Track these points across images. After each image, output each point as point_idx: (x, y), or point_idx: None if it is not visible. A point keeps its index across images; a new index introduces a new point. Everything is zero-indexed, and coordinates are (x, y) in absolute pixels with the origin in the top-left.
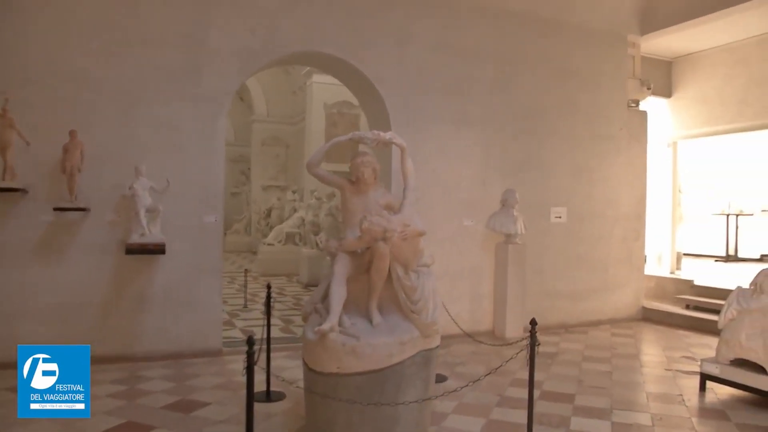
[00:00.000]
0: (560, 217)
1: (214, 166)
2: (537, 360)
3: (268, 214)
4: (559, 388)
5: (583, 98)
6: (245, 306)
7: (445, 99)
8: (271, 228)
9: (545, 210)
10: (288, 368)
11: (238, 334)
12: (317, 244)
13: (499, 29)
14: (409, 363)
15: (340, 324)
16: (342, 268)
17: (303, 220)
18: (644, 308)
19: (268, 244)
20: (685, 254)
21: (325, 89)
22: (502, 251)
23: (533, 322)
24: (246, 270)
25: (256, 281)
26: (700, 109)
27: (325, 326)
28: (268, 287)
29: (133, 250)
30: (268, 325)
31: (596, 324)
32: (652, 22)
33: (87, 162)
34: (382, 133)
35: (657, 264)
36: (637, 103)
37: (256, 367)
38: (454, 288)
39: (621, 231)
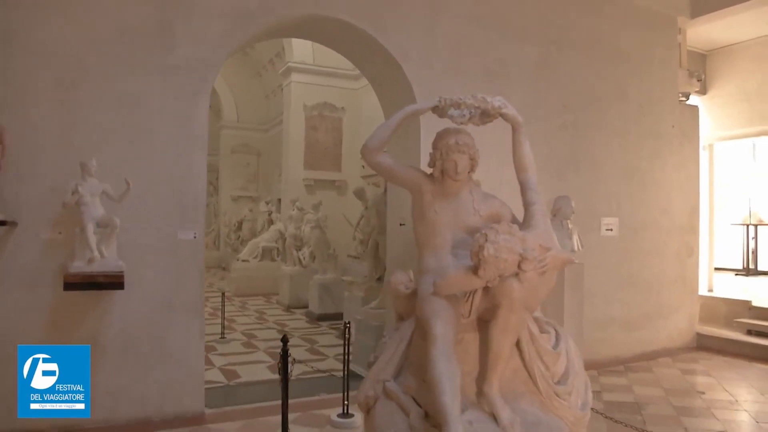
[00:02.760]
0: (611, 230)
1: (193, 163)
2: (621, 416)
3: (239, 227)
4: None
5: (633, 88)
6: (222, 336)
7: (482, 84)
8: (243, 242)
9: (595, 220)
10: None
11: (218, 377)
12: (300, 261)
13: (543, 2)
14: None
15: None
16: (447, 328)
17: (281, 233)
18: (698, 335)
19: (243, 261)
20: None
21: (304, 89)
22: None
23: None
24: (224, 293)
25: (231, 302)
26: (741, 107)
27: None
28: (284, 341)
29: (74, 284)
30: (285, 400)
31: (653, 356)
32: (705, 2)
33: (12, 156)
34: (488, 98)
35: None
36: (687, 96)
37: None
38: None
39: (675, 245)
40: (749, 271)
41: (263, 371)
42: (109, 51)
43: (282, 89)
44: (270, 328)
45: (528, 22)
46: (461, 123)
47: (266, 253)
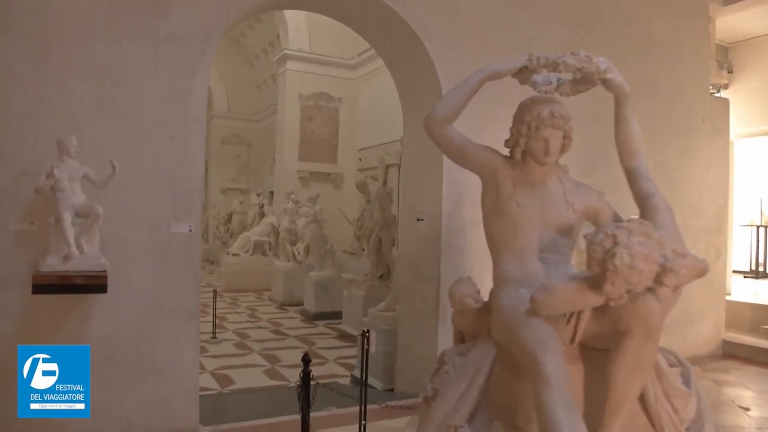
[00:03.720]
0: None
1: (188, 146)
2: None
3: (228, 220)
4: None
5: (663, 78)
6: (214, 336)
7: None
8: (232, 235)
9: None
10: None
11: (210, 383)
12: (294, 256)
13: None
14: None
15: None
16: (560, 363)
17: (274, 227)
18: (724, 342)
19: (233, 254)
20: None
21: (300, 78)
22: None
23: None
24: (215, 290)
25: (221, 298)
26: (766, 102)
27: None
28: (306, 361)
29: (46, 285)
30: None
31: None
32: None
33: None
34: (593, 57)
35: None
36: (717, 88)
37: None
38: None
39: (703, 247)
40: (758, 274)
41: (260, 376)
42: (91, 15)
43: (275, 79)
44: (263, 327)
45: (557, 1)
46: (546, 92)
47: (258, 247)
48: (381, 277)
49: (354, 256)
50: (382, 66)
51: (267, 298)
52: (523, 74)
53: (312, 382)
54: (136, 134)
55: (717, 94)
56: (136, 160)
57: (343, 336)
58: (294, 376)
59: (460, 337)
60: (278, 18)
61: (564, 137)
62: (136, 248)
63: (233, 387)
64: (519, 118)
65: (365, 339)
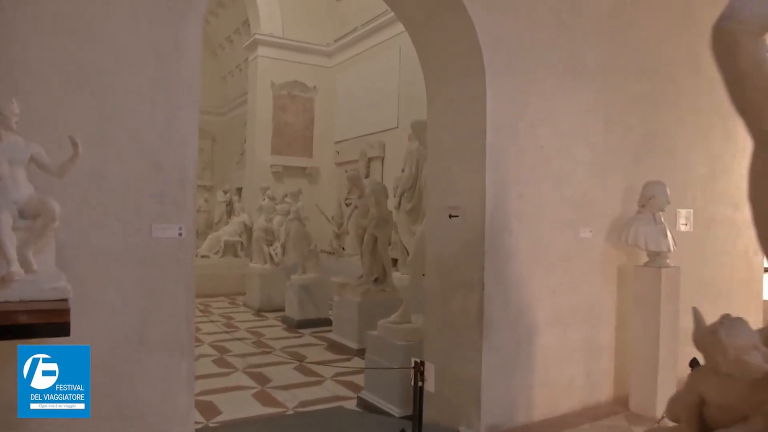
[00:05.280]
0: (686, 224)
1: (177, 119)
2: None
3: None
4: None
5: (705, 55)
6: None
7: (554, 33)
8: (197, 234)
9: (670, 213)
10: None
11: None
12: (272, 257)
13: None
14: None
15: None
16: None
17: (246, 226)
18: None
19: (202, 256)
20: None
21: (272, 65)
22: (648, 280)
23: None
24: None
25: None
26: None
27: None
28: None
29: None
30: None
31: None
32: None
33: None
34: None
35: None
36: None
37: None
38: (567, 340)
39: (743, 242)
40: None
41: (250, 402)
42: None
43: (241, 69)
44: (243, 339)
45: None
46: None
47: (229, 248)
48: (376, 280)
49: (334, 257)
50: (360, 53)
51: (241, 303)
52: None
53: None
54: (105, 104)
55: None
56: (105, 139)
57: (335, 347)
58: (289, 399)
59: (697, 410)
60: (248, 1)
61: None
62: (107, 259)
63: (221, 418)
64: None
65: (419, 373)
